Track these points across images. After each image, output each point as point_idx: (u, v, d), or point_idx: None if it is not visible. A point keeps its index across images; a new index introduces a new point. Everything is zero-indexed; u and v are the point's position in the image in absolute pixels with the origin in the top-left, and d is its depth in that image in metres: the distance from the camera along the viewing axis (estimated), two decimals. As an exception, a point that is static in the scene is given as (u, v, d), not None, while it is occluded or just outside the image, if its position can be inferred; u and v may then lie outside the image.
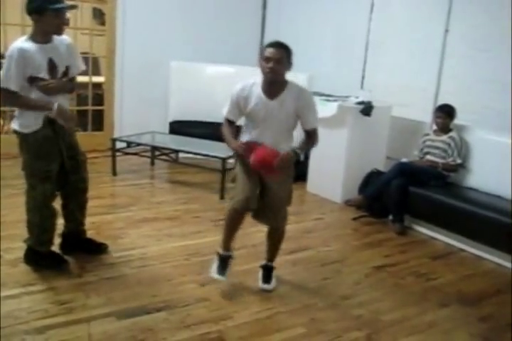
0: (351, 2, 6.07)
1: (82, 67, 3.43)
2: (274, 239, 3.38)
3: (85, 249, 3.64)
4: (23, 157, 3.26)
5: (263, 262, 3.45)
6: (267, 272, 3.41)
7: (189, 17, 6.80)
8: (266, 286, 3.34)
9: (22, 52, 3.01)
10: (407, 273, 3.74)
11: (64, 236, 3.61)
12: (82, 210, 3.60)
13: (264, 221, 3.33)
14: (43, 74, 3.09)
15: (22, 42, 3.06)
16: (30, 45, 3.05)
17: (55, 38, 3.17)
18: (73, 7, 3.20)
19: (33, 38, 3.09)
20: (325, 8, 6.40)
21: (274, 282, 3.39)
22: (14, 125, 3.23)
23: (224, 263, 3.29)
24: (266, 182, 3.21)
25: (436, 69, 5.16)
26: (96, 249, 3.67)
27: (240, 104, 3.17)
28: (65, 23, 3.14)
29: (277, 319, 3.02)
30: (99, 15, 6.86)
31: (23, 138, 3.21)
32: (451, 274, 3.78)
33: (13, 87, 3.03)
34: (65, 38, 3.25)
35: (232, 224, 3.24)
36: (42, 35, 3.09)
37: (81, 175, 3.48)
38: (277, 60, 2.99)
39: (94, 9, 6.90)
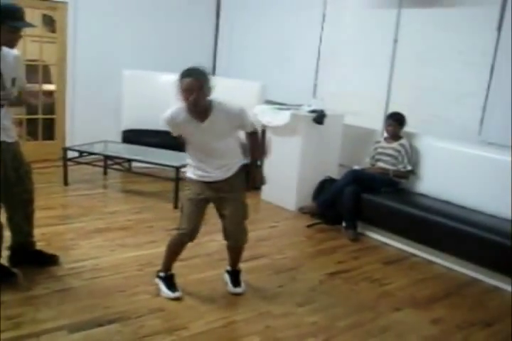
0: (304, 12, 6.15)
1: (25, 82, 3.37)
2: (237, 251, 3.46)
3: (35, 261, 3.54)
4: None
5: (228, 268, 3.51)
6: (235, 276, 3.47)
7: (142, 25, 6.76)
8: (238, 290, 3.41)
9: None
10: (361, 279, 3.78)
11: (12, 248, 3.50)
12: (28, 222, 3.50)
13: (227, 240, 3.39)
14: None
15: None
16: None
17: (3, 48, 3.09)
18: (31, 26, 3.13)
19: None
20: (278, 17, 6.47)
21: (243, 285, 3.44)
22: None
23: (170, 281, 3.35)
24: (220, 206, 3.30)
25: (386, 78, 5.28)
26: (46, 261, 3.58)
27: (173, 127, 3.18)
28: (19, 38, 3.06)
29: (232, 328, 3.01)
30: (49, 22, 6.73)
31: None
32: (404, 279, 3.85)
33: None
34: (10, 50, 3.16)
35: (176, 250, 3.33)
36: None
37: (25, 186, 3.39)
38: (197, 89, 2.94)
39: (44, 16, 6.75)
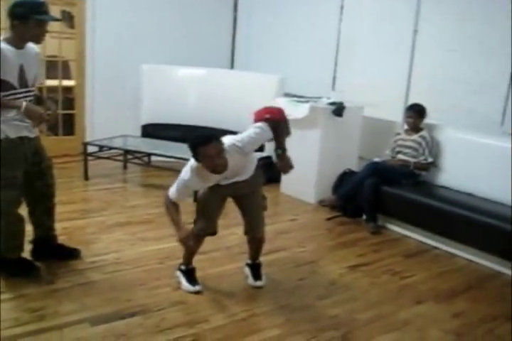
0: (321, 4, 6.11)
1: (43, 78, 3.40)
2: (257, 244, 3.46)
3: (57, 255, 3.58)
4: None
5: (249, 261, 3.52)
6: (256, 269, 3.48)
7: (160, 19, 6.76)
8: (258, 283, 3.42)
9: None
10: (382, 272, 3.76)
11: (34, 242, 3.55)
12: (50, 216, 3.54)
13: (248, 233, 3.40)
14: (13, 80, 3.03)
15: (2, 44, 2.98)
16: (7, 48, 2.99)
17: (27, 45, 3.12)
18: (57, 19, 3.14)
19: (9, 41, 3.02)
20: (295, 9, 6.43)
21: (264, 278, 3.45)
22: None
23: (191, 275, 3.36)
24: (239, 201, 3.33)
25: (406, 69, 5.22)
26: (68, 255, 3.62)
27: (197, 187, 3.24)
28: (45, 33, 3.08)
29: (253, 321, 3.01)
30: (68, 18, 6.78)
31: None
32: (425, 272, 3.82)
33: None
34: (33, 46, 3.20)
35: (195, 247, 3.32)
36: (19, 40, 3.04)
37: (47, 181, 3.43)
38: (222, 151, 2.88)
39: (63, 12, 6.80)
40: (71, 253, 3.64)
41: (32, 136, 3.24)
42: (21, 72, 3.08)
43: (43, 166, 3.38)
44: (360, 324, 3.05)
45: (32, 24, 2.97)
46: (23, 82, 3.10)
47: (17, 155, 3.15)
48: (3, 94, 2.97)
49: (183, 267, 3.39)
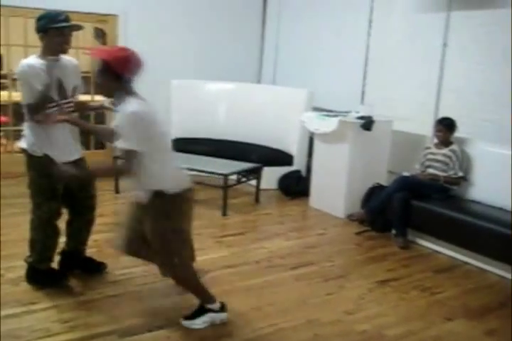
0: (350, 18, 6.13)
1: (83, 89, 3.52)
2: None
3: (83, 268, 3.63)
4: (29, 175, 3.27)
5: None
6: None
7: (189, 35, 6.87)
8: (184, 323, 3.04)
9: (29, 68, 3.06)
10: (411, 287, 3.71)
11: (63, 253, 3.60)
12: (87, 229, 3.59)
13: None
14: (52, 93, 3.14)
15: (30, 59, 3.12)
16: (37, 62, 3.10)
17: (63, 57, 3.24)
18: (78, 27, 3.24)
19: (40, 55, 3.15)
20: (323, 24, 6.47)
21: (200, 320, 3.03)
22: (22, 144, 3.26)
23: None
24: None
25: (435, 82, 5.19)
26: (94, 269, 3.65)
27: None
28: (68, 42, 3.18)
29: (280, 335, 3.00)
30: (100, 35, 6.93)
31: (30, 156, 3.23)
32: (456, 288, 3.75)
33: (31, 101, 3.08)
34: (69, 58, 3.32)
35: (195, 277, 3.07)
36: (49, 53, 3.15)
37: (89, 192, 3.50)
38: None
39: (95, 29, 6.97)
40: (97, 268, 3.66)
41: (74, 158, 3.32)
42: (59, 84, 3.19)
43: (88, 177, 3.44)
44: (389, 340, 3.01)
45: (53, 34, 3.08)
46: (61, 93, 3.20)
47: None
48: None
49: (212, 306, 3.04)
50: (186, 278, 3.00)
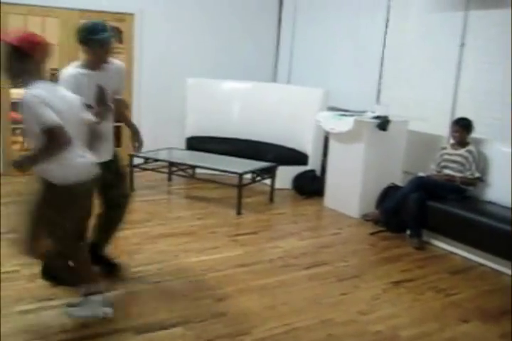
0: (366, 17, 6.10)
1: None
2: None
3: (97, 264, 3.63)
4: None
5: None
6: None
7: (205, 34, 6.88)
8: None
9: (71, 78, 3.13)
10: (426, 289, 3.69)
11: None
12: (112, 226, 3.58)
13: None
14: (89, 100, 3.19)
15: (72, 69, 3.19)
16: (79, 72, 3.17)
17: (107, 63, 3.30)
18: (112, 38, 3.29)
19: (82, 64, 3.22)
20: (339, 23, 6.45)
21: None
22: None
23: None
24: None
25: (452, 82, 5.15)
26: (108, 269, 3.61)
27: None
28: (109, 52, 3.25)
29: (294, 334, 2.99)
30: (117, 34, 6.97)
31: None
32: (471, 289, 3.72)
33: None
34: (117, 62, 3.40)
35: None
36: (91, 63, 3.22)
37: (121, 190, 3.53)
38: None
39: (112, 28, 7.01)
40: (111, 268, 3.62)
41: (105, 159, 3.36)
42: (99, 91, 3.26)
43: (120, 175, 3.52)
44: (403, 341, 3.00)
45: (93, 45, 3.14)
46: (101, 100, 3.27)
47: None
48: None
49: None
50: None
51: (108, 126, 3.42)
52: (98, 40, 3.13)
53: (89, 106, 3.15)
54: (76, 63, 3.23)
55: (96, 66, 3.23)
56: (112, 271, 3.63)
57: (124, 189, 3.58)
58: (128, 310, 3.14)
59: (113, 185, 3.43)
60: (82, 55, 3.27)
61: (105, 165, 3.23)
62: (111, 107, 3.37)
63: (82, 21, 3.29)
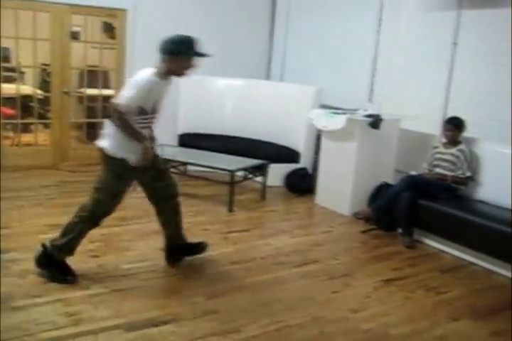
0: (359, 15, 6.11)
1: None
2: None
3: (189, 252, 3.81)
4: (104, 174, 3.37)
5: None
6: None
7: (197, 30, 6.79)
8: None
9: (150, 84, 3.23)
10: (417, 287, 3.71)
11: (168, 244, 3.75)
12: (175, 214, 3.70)
13: None
14: (148, 107, 3.30)
15: (152, 75, 3.26)
16: (156, 80, 3.27)
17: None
18: (205, 55, 3.41)
19: (157, 73, 3.28)
20: (333, 21, 6.45)
21: None
22: (103, 143, 3.35)
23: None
24: None
25: (444, 82, 5.17)
26: (198, 250, 3.83)
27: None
28: (192, 67, 3.36)
29: (286, 332, 3.00)
30: (109, 29, 6.94)
31: (109, 157, 3.33)
32: (462, 288, 3.75)
33: (132, 106, 3.20)
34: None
35: None
36: (166, 73, 3.31)
37: (167, 181, 3.63)
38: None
39: (104, 23, 6.98)
40: (201, 248, 3.84)
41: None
42: (157, 100, 3.37)
43: (160, 169, 3.61)
44: (394, 339, 3.00)
45: (181, 59, 3.28)
46: (154, 108, 3.39)
47: (135, 171, 3.37)
48: (134, 117, 3.25)
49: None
50: None
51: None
52: (191, 54, 3.29)
53: (144, 113, 3.28)
54: (152, 70, 3.29)
55: (169, 76, 3.34)
56: (202, 250, 3.84)
57: (169, 179, 3.68)
58: (119, 307, 3.12)
59: (158, 178, 3.56)
60: (158, 63, 3.33)
61: (147, 167, 3.39)
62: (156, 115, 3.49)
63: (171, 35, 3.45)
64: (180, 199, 3.73)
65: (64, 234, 3.39)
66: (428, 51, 5.37)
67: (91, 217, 3.37)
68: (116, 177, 3.34)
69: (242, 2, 7.10)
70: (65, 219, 3.44)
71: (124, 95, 3.18)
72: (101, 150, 3.35)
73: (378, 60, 5.95)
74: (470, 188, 4.65)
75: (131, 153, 3.29)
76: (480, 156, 4.65)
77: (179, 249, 3.77)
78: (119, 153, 3.29)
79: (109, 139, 3.33)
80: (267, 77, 7.44)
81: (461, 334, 3.12)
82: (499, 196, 4.43)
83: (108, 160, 3.34)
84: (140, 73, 3.29)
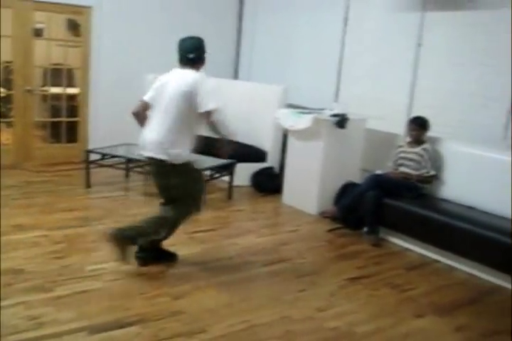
0: (326, 16, 6.15)
1: None
2: None
3: (160, 258, 3.81)
4: (180, 181, 3.52)
5: None
6: None
7: (165, 29, 6.80)
8: None
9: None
10: (382, 285, 3.74)
11: (148, 248, 3.75)
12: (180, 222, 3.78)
13: None
14: None
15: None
16: None
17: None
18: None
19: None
20: (300, 21, 6.47)
21: None
22: (173, 154, 3.52)
23: None
24: None
25: (409, 82, 5.24)
26: (170, 258, 3.85)
27: None
28: None
29: (253, 331, 2.99)
30: (74, 27, 6.82)
31: (181, 166, 3.49)
32: (426, 285, 3.80)
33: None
34: None
35: None
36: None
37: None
38: None
39: (69, 20, 6.85)
40: (172, 258, 3.85)
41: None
42: None
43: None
44: (360, 337, 3.02)
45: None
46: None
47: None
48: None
49: None
50: None
51: None
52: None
53: None
54: (201, 72, 3.78)
55: None
56: (170, 260, 3.84)
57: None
58: (83, 309, 3.07)
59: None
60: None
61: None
62: None
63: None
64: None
65: (160, 225, 3.61)
66: (393, 51, 5.44)
67: (174, 220, 3.64)
68: (196, 179, 3.61)
69: (209, 1, 7.06)
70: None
71: (210, 101, 3.51)
72: (165, 161, 3.49)
73: (344, 60, 5.99)
74: (434, 187, 4.72)
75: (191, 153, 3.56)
76: (444, 155, 4.72)
77: (154, 252, 3.75)
78: (188, 157, 3.54)
79: (176, 147, 3.54)
80: (235, 76, 7.43)
81: (426, 330, 3.16)
82: (462, 194, 4.51)
83: (181, 167, 3.49)
84: (197, 76, 3.68)
